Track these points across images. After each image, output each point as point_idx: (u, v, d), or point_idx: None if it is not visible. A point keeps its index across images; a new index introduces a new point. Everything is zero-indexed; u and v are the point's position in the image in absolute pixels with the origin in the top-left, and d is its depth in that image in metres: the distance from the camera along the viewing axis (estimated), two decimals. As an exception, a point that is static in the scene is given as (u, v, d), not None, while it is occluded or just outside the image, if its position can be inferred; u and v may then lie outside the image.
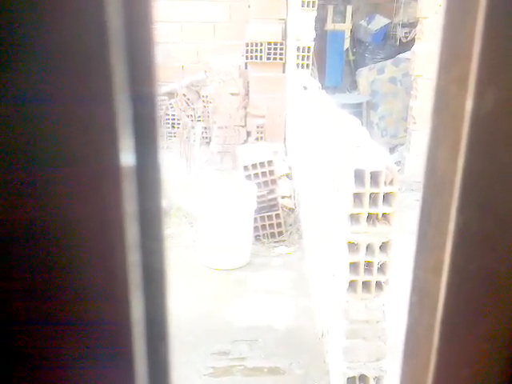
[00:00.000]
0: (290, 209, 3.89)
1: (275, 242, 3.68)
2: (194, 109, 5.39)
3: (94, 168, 0.26)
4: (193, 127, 5.15)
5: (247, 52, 4.95)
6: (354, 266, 1.97)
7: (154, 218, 0.30)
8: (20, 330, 0.28)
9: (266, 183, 3.68)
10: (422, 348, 0.29)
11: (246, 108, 5.18)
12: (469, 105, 0.24)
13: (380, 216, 1.94)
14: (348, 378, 2.03)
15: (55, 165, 0.26)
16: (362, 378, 2.04)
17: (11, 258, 0.27)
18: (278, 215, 3.71)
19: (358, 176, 1.90)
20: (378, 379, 2.03)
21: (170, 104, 5.58)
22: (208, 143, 5.40)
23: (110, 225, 0.27)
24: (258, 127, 5.10)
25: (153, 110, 0.29)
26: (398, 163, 4.70)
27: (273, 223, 3.69)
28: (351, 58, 6.46)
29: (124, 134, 0.27)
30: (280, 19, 4.95)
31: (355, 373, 2.03)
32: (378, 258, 1.95)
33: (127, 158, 0.27)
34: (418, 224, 0.29)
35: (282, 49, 4.90)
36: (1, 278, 0.27)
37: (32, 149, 0.26)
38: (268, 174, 3.69)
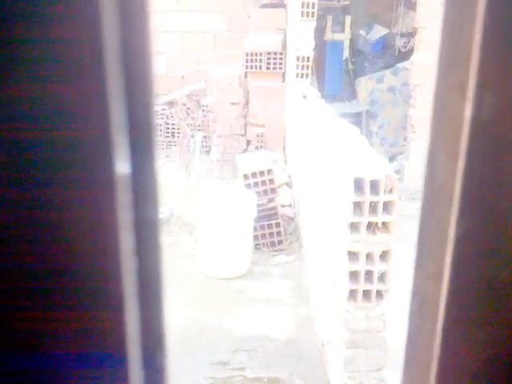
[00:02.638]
0: (289, 217, 3.88)
1: (275, 250, 3.67)
2: (193, 118, 5.41)
3: (89, 176, 0.26)
4: (193, 136, 5.16)
5: (247, 62, 4.97)
6: (354, 275, 1.96)
7: (150, 225, 0.30)
8: (15, 335, 0.27)
9: (265, 192, 3.68)
10: (423, 356, 0.29)
11: (245, 117, 5.19)
12: (468, 111, 0.24)
13: (380, 224, 1.94)
14: (348, 389, 2.02)
15: (49, 173, 0.26)
16: (363, 388, 2.02)
17: (7, 264, 0.26)
18: (277, 224, 3.70)
19: (358, 184, 1.90)
20: (378, 389, 2.01)
21: (170, 113, 5.59)
22: (208, 152, 5.41)
23: (104, 232, 0.27)
24: (257, 136, 5.11)
25: (149, 118, 0.29)
26: (397, 172, 4.70)
27: (272, 232, 3.69)
28: (350, 67, 6.50)
29: (119, 142, 0.27)
30: (280, 29, 4.99)
31: (356, 383, 2.01)
32: (378, 266, 1.94)
33: (122, 166, 0.27)
34: (417, 232, 0.29)
35: (281, 58, 4.93)
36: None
37: (27, 158, 0.26)
38: (268, 182, 3.69)
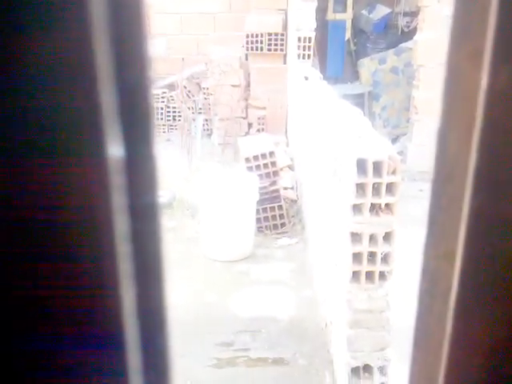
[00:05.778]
0: (292, 200, 3.88)
1: (278, 233, 3.67)
2: (194, 101, 5.37)
3: (80, 160, 0.26)
4: (194, 119, 5.13)
5: (248, 43, 4.91)
6: (357, 256, 1.96)
7: (148, 209, 0.29)
8: (11, 315, 0.27)
9: (267, 175, 3.67)
10: (433, 337, 0.28)
11: (246, 99, 5.15)
12: (484, 82, 0.23)
13: (383, 206, 1.93)
14: (352, 368, 2.03)
15: (40, 156, 0.26)
16: (366, 367, 2.04)
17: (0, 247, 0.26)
18: (280, 207, 3.70)
19: (361, 166, 1.89)
20: (381, 369, 2.03)
21: (171, 96, 5.55)
22: (209, 135, 5.39)
23: (97, 217, 0.26)
24: (259, 119, 5.08)
25: (145, 100, 0.28)
26: (400, 153, 4.67)
27: (275, 215, 3.69)
28: (352, 48, 6.42)
29: (111, 125, 0.26)
30: (280, 9, 4.92)
31: (359, 362, 2.03)
32: (381, 248, 1.94)
33: (115, 149, 0.27)
34: (428, 209, 0.28)
35: (282, 39, 4.87)
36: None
37: (16, 141, 0.25)
38: (270, 165, 3.68)
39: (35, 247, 0.26)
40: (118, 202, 0.27)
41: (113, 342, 0.27)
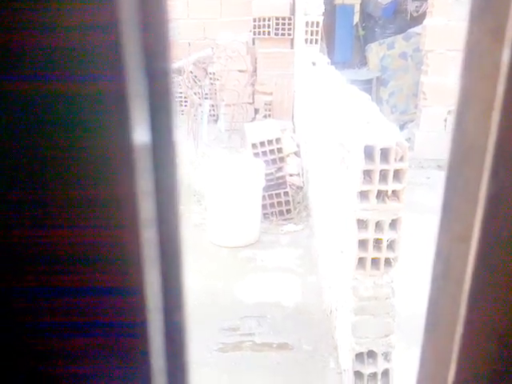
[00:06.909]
0: (298, 186, 3.87)
1: (283, 219, 3.67)
2: (201, 86, 5.34)
3: (106, 144, 0.26)
4: (200, 105, 5.11)
5: (255, 28, 4.86)
6: (362, 243, 1.96)
7: (169, 194, 0.29)
8: (32, 302, 0.27)
9: (274, 161, 3.66)
10: (446, 320, 0.28)
11: (253, 85, 5.12)
12: (505, 58, 0.22)
13: (390, 193, 1.92)
14: (356, 354, 2.05)
15: (66, 141, 0.26)
16: (370, 353, 2.06)
17: (23, 238, 0.26)
18: (286, 193, 3.69)
19: (368, 152, 1.88)
20: (386, 355, 2.04)
21: (177, 81, 5.52)
22: (216, 121, 5.36)
23: (122, 201, 0.26)
24: (265, 104, 5.04)
25: (168, 85, 0.28)
26: (407, 140, 4.63)
27: (281, 201, 3.68)
28: (361, 32, 6.34)
29: (137, 110, 0.26)
30: (288, -7, 4.85)
31: (363, 348, 2.04)
32: (387, 234, 1.94)
33: (140, 134, 0.26)
34: (443, 192, 0.28)
35: (290, 24, 4.81)
36: (5, 264, 0.27)
37: (43, 126, 0.25)
38: (276, 151, 3.66)
39: (59, 232, 0.26)
40: (143, 186, 0.27)
41: (136, 324, 0.28)
